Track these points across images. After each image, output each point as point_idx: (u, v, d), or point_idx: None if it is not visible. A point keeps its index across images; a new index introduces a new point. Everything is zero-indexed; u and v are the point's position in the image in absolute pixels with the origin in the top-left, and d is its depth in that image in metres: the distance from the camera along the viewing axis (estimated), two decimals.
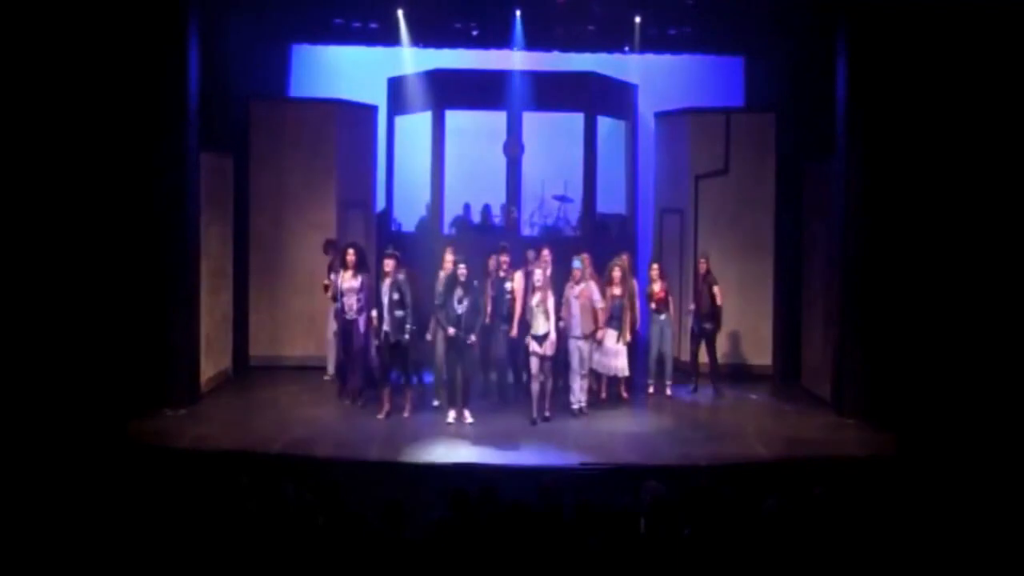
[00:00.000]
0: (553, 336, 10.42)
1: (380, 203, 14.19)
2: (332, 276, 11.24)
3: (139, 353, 10.46)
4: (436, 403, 10.91)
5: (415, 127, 14.15)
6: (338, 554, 5.67)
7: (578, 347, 10.63)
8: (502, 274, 10.96)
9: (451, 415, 10.32)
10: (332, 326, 11.67)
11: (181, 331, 10.65)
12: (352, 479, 8.23)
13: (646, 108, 14.38)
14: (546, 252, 11.14)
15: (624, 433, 10.33)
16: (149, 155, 10.47)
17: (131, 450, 9.05)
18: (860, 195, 10.83)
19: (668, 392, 11.86)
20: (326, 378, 12.01)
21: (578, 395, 10.75)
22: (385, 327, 10.27)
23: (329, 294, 11.30)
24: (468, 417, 10.25)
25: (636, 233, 14.39)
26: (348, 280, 10.78)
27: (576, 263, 10.73)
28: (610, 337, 11.07)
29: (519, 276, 11.02)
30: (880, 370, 10.70)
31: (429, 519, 6.00)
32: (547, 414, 10.47)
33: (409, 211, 14.29)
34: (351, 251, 10.84)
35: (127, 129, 10.44)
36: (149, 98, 10.41)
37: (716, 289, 11.77)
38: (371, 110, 13.85)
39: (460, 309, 10.21)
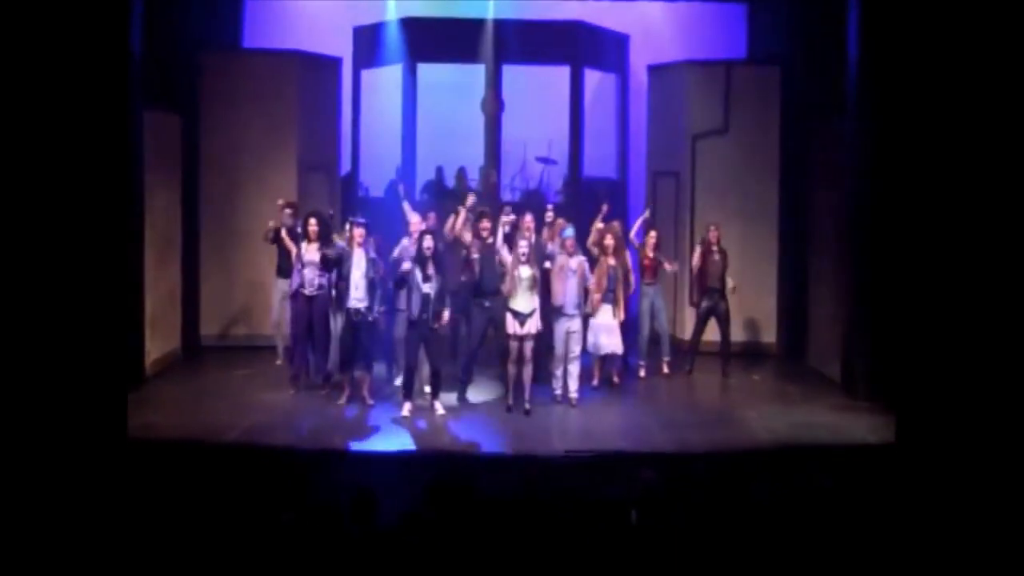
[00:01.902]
0: (538, 315, 10.36)
1: (345, 166, 14.16)
2: (272, 234, 11.18)
3: (74, 331, 10.37)
4: (398, 381, 10.81)
5: (384, 82, 14.11)
6: (306, 550, 5.70)
7: (567, 329, 10.51)
8: (490, 240, 10.56)
9: (406, 408, 10.09)
10: (277, 299, 11.61)
11: (121, 307, 10.56)
12: (317, 470, 8.27)
13: (638, 61, 14.38)
14: (528, 219, 11.03)
15: (613, 418, 10.36)
16: (85, 112, 10.35)
17: (68, 440, 9.01)
18: (872, 158, 10.87)
19: (665, 371, 11.92)
20: (279, 363, 11.88)
21: (564, 382, 10.58)
22: (351, 304, 10.24)
23: (268, 237, 11.26)
24: (439, 409, 10.16)
25: (627, 199, 14.42)
26: (310, 252, 10.70)
27: (568, 232, 10.63)
28: (604, 312, 10.98)
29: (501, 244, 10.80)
30: (894, 348, 10.77)
31: (403, 512, 6.04)
32: (527, 406, 10.28)
33: (377, 174, 14.26)
34: (313, 220, 10.75)
35: (59, 83, 10.31)
36: (85, 48, 10.29)
37: (729, 281, 11.74)
38: (335, 63, 13.79)
39: (427, 288, 9.95)
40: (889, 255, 10.86)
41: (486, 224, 10.58)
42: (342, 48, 14.01)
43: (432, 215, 11.39)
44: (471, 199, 11.02)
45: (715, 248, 11.74)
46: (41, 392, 8.40)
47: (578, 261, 10.53)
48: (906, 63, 10.65)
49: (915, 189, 10.74)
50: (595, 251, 10.94)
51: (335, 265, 10.31)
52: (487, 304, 10.57)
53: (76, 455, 7.91)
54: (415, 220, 10.74)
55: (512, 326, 10.29)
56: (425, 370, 10.41)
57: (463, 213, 10.65)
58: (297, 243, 10.82)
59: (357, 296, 10.20)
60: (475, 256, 10.52)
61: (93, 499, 6.32)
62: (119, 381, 9.94)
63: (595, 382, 11.28)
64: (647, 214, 12.04)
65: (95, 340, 10.31)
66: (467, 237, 10.63)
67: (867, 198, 10.92)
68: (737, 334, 12.93)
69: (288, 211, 11.44)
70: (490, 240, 10.57)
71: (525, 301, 10.27)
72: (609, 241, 10.93)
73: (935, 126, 10.59)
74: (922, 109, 10.64)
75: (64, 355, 8.76)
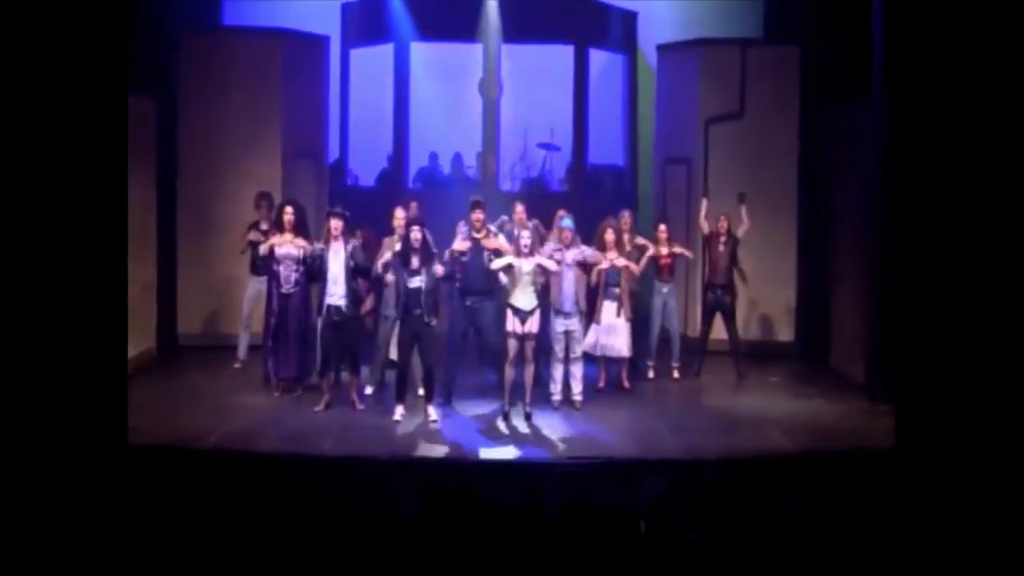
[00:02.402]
0: (539, 312, 10.33)
1: (333, 153, 14.16)
2: (254, 232, 11.16)
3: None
4: (369, 391, 10.81)
5: (375, 62, 14.11)
6: (293, 561, 5.71)
7: (566, 327, 10.48)
8: (478, 235, 10.52)
9: (398, 412, 10.09)
10: (250, 297, 11.62)
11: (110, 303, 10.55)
12: (303, 478, 8.26)
13: (647, 40, 14.37)
14: (520, 208, 10.98)
15: (620, 422, 10.36)
16: (56, 97, 10.33)
17: (40, 445, 9.00)
18: (895, 145, 10.84)
19: (675, 375, 11.92)
20: (237, 366, 11.86)
21: (564, 385, 10.56)
22: (330, 301, 10.19)
23: (243, 252, 11.27)
24: (432, 415, 10.13)
25: (635, 187, 14.42)
26: (285, 245, 10.65)
27: (567, 222, 10.59)
28: (608, 311, 11.00)
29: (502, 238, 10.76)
30: (921, 347, 10.75)
31: (397, 522, 6.04)
32: (528, 410, 10.26)
33: (368, 162, 14.27)
34: (289, 209, 10.67)
35: (29, 67, 10.29)
36: (55, 29, 10.27)
37: (739, 279, 11.70)
38: (322, 42, 13.78)
39: (415, 283, 9.91)
40: (916, 248, 10.82)
41: (479, 216, 10.50)
42: (330, 26, 14.02)
43: (414, 204, 11.32)
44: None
45: (723, 239, 11.73)
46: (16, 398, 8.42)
47: (575, 254, 10.45)
48: (936, 41, 10.62)
49: (943, 176, 10.70)
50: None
51: (316, 267, 10.23)
52: (468, 303, 10.53)
53: (63, 463, 7.89)
54: (399, 214, 10.69)
55: (512, 324, 10.20)
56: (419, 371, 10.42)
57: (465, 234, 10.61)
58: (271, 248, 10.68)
59: (337, 293, 10.17)
60: (465, 257, 10.44)
61: (68, 509, 6.31)
62: (115, 383, 9.94)
63: (601, 384, 11.28)
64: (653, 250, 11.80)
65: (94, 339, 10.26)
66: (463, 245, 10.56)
67: (889, 186, 10.88)
68: (753, 332, 12.95)
69: (264, 204, 11.43)
70: (482, 234, 10.52)
71: (527, 297, 10.19)
72: (609, 236, 10.91)
73: (968, 108, 10.53)
74: (953, 89, 10.59)
75: (55, 354, 8.76)
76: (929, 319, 10.72)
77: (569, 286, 10.39)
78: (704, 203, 11.99)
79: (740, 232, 11.68)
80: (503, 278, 10.16)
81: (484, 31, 13.57)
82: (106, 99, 7.10)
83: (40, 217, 6.68)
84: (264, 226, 11.31)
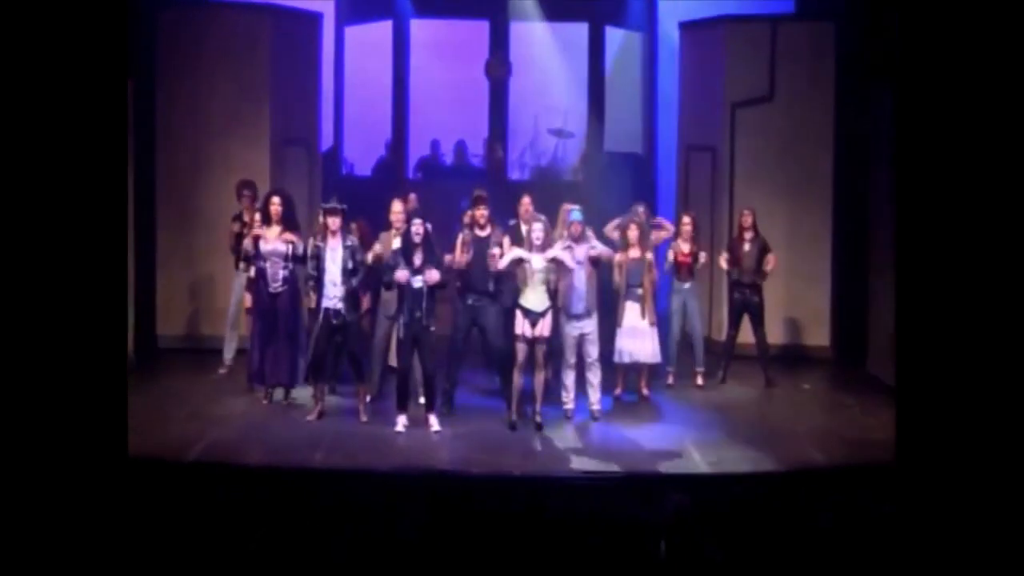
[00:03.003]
0: (551, 314, 10.30)
1: (327, 140, 14.17)
2: (236, 224, 11.18)
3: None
4: (368, 399, 10.79)
5: (372, 41, 14.13)
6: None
7: (580, 331, 10.42)
8: (481, 232, 10.51)
9: (401, 422, 10.10)
10: (236, 296, 11.62)
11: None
12: (293, 492, 8.27)
13: (669, 16, 14.37)
14: (527, 201, 10.96)
15: (639, 433, 10.34)
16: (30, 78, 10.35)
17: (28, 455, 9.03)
18: (918, 127, 10.74)
19: (699, 382, 11.91)
20: (222, 371, 11.86)
21: (580, 392, 10.56)
22: (327, 304, 10.18)
23: (234, 249, 11.24)
24: (434, 424, 10.12)
25: (655, 177, 14.42)
26: (272, 240, 10.63)
27: (576, 215, 10.51)
28: (632, 313, 11.00)
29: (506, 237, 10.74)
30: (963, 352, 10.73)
31: (394, 541, 6.05)
32: (538, 419, 10.26)
33: (364, 150, 14.29)
34: (276, 200, 10.62)
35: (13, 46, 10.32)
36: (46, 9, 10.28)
37: (770, 256, 11.67)
38: (315, 18, 13.78)
39: (417, 283, 9.88)
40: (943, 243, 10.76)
41: (482, 211, 10.49)
42: (323, 1, 14.01)
43: (413, 196, 11.29)
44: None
45: (747, 236, 11.72)
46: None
47: (586, 250, 10.40)
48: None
49: (972, 162, 10.62)
50: (615, 239, 10.92)
51: (309, 262, 10.23)
52: (470, 302, 10.51)
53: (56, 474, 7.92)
54: (396, 208, 10.66)
55: (522, 327, 10.18)
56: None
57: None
58: (255, 240, 10.64)
59: (336, 295, 10.17)
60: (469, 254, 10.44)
61: (60, 521, 6.34)
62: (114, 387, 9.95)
63: (618, 391, 11.28)
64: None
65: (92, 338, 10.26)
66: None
67: (912, 172, 10.78)
68: (783, 335, 12.92)
69: (246, 193, 11.42)
70: (486, 231, 10.52)
71: (538, 297, 10.17)
72: (633, 231, 10.90)
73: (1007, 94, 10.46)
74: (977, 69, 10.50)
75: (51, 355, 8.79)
76: (968, 323, 10.66)
77: (580, 285, 10.34)
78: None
79: (768, 268, 11.69)
80: (523, 273, 10.11)
81: (491, 7, 13.58)
82: (102, 83, 7.11)
83: (34, 213, 6.71)
84: (247, 218, 11.28)
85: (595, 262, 10.44)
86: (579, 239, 10.39)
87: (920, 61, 10.20)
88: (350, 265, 10.13)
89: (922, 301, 7.27)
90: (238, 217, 11.44)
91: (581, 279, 10.35)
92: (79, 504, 5.99)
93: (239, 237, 11.21)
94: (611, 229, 11.20)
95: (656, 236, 11.37)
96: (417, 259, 9.88)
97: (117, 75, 7.16)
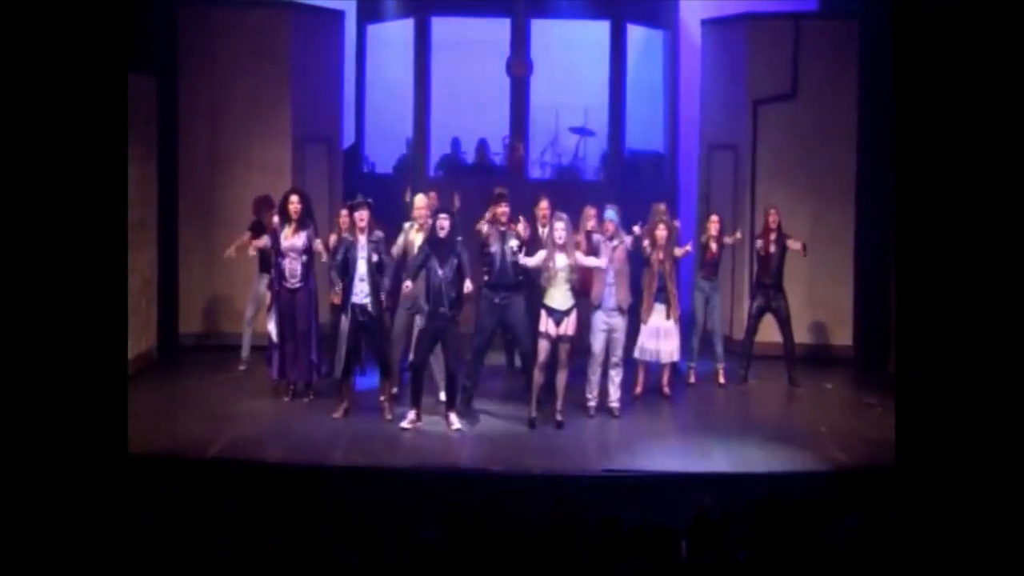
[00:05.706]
0: (575, 313, 10.31)
1: (348, 137, 14.19)
2: (252, 234, 11.25)
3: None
4: (382, 397, 10.75)
5: (393, 39, 14.13)
6: None
7: (609, 326, 10.47)
8: (503, 228, 10.54)
9: (410, 417, 10.11)
10: (255, 294, 11.67)
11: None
12: (312, 491, 8.29)
13: (691, 14, 14.33)
14: (544, 204, 10.96)
15: (660, 432, 10.35)
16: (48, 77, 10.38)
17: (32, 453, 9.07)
18: (917, 127, 10.65)
19: (720, 380, 11.89)
20: (242, 367, 11.90)
21: (602, 389, 10.58)
22: (355, 300, 10.19)
23: (253, 253, 11.30)
24: (455, 422, 10.13)
25: (677, 175, 14.38)
26: (290, 237, 10.66)
27: (610, 213, 10.56)
28: (658, 313, 10.99)
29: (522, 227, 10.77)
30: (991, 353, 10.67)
31: (414, 540, 6.05)
32: (559, 417, 10.28)
33: (385, 148, 14.29)
34: (294, 198, 10.70)
35: (25, 43, 10.35)
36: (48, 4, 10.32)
37: (793, 243, 11.62)
38: (337, 16, 13.82)
39: (441, 277, 9.93)
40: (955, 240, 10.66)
41: (504, 209, 10.53)
42: None
43: (433, 194, 11.28)
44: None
45: (772, 234, 11.69)
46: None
47: (613, 246, 10.46)
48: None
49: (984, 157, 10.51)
50: (646, 246, 10.91)
51: (337, 256, 10.27)
52: (497, 300, 10.51)
53: (56, 474, 7.95)
54: (420, 203, 10.69)
55: (546, 325, 10.21)
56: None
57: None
58: (276, 236, 10.71)
59: (363, 291, 10.18)
60: (492, 249, 10.46)
61: (61, 523, 6.35)
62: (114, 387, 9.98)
63: (638, 390, 11.27)
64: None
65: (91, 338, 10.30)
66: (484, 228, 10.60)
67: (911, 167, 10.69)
68: (806, 335, 12.87)
69: (263, 207, 11.54)
70: (503, 228, 10.53)
71: (563, 296, 10.20)
72: (661, 232, 10.91)
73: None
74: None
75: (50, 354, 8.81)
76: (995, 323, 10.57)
77: (612, 281, 10.44)
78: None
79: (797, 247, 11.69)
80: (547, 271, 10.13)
81: (512, 5, 13.56)
82: (104, 78, 7.12)
83: (32, 210, 6.73)
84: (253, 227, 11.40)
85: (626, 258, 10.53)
86: (612, 237, 10.50)
87: (920, 61, 10.14)
88: (375, 259, 10.16)
89: (922, 301, 7.23)
90: (257, 226, 11.44)
91: (611, 276, 10.43)
92: (79, 504, 6.00)
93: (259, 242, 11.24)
94: (643, 236, 11.14)
95: (681, 251, 11.36)
96: (441, 255, 9.90)
97: (117, 75, 7.17)
